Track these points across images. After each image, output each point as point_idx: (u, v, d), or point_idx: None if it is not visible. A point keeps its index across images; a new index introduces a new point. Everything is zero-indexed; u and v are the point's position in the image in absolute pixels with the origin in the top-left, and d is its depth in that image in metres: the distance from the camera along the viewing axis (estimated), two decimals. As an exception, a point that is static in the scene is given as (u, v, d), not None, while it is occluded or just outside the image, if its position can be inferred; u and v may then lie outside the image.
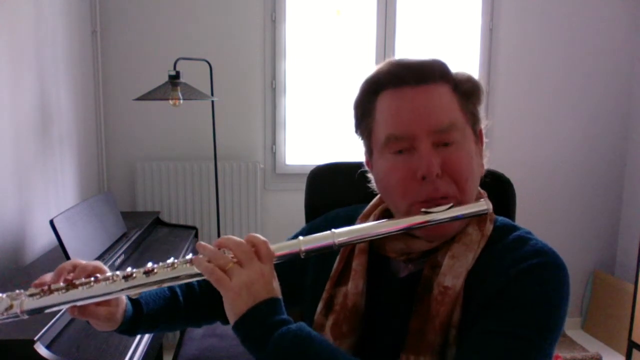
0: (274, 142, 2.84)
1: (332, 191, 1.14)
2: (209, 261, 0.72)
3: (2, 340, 1.20)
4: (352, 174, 0.95)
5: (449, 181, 0.76)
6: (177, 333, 2.58)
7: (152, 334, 1.51)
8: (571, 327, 3.09)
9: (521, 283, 0.72)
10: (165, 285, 0.75)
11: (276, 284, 0.73)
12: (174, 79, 2.13)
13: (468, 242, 0.78)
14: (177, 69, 2.15)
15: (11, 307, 0.72)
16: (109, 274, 0.76)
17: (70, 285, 0.74)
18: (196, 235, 2.53)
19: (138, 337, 1.44)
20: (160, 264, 0.75)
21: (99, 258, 1.77)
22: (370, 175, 0.87)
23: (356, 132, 0.86)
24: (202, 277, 0.73)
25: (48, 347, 1.25)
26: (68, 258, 1.57)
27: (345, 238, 0.76)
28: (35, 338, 1.20)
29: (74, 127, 2.36)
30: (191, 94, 2.19)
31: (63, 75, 2.24)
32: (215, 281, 0.70)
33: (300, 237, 0.76)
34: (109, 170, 2.73)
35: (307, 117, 2.88)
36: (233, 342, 1.92)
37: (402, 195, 0.78)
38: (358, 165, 0.92)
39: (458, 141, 0.77)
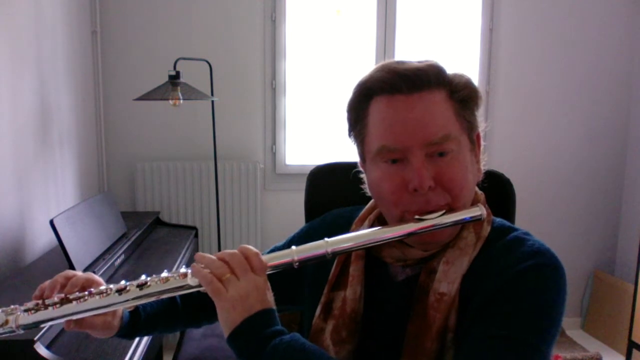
0: (274, 142, 2.84)
1: (332, 191, 1.14)
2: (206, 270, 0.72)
3: (2, 341, 1.20)
4: (352, 174, 0.95)
5: (441, 192, 0.75)
6: (177, 333, 2.58)
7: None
8: (571, 327, 3.09)
9: (518, 285, 0.71)
10: (160, 297, 0.75)
11: (270, 295, 0.73)
12: (174, 79, 2.14)
13: (463, 246, 0.78)
14: (177, 69, 2.16)
15: (6, 322, 0.74)
16: (103, 287, 0.76)
17: (64, 299, 0.75)
18: (196, 235, 2.53)
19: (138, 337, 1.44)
20: (154, 276, 0.76)
21: (99, 258, 1.77)
22: (364, 177, 0.87)
23: (349, 136, 0.85)
24: (196, 289, 0.73)
25: (48, 347, 1.25)
26: (68, 258, 1.57)
27: (338, 247, 0.76)
28: (35, 338, 1.20)
29: (74, 127, 2.36)
30: (191, 94, 2.19)
31: (63, 75, 2.24)
32: (212, 291, 0.70)
33: (293, 247, 0.76)
34: (109, 170, 2.73)
35: (307, 117, 2.88)
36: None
37: (394, 204, 0.77)
38: (357, 165, 0.91)
39: (453, 151, 0.75)
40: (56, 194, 2.14)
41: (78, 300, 0.75)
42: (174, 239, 2.32)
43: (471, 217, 0.76)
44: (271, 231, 2.83)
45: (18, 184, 1.82)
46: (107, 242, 1.90)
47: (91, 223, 1.83)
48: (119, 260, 1.86)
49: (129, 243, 2.01)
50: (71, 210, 1.75)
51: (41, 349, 1.21)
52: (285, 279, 0.84)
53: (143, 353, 1.42)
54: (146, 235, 2.30)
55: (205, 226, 2.73)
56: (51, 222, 1.57)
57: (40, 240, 1.97)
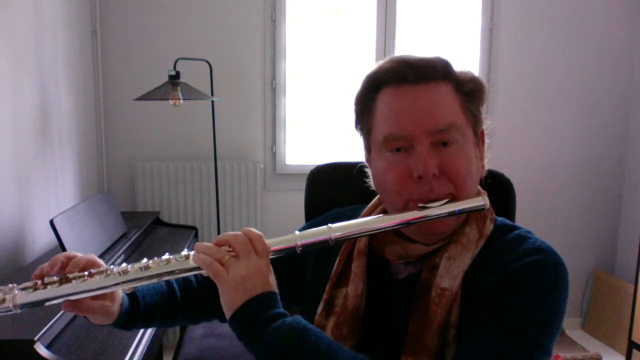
0: (274, 142, 2.84)
1: (332, 191, 1.14)
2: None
3: (2, 341, 1.20)
4: (352, 173, 0.95)
5: (445, 181, 0.76)
6: (177, 333, 2.58)
7: (152, 333, 1.52)
8: (571, 327, 3.09)
9: (520, 280, 0.72)
10: (161, 279, 0.75)
11: (272, 278, 0.73)
12: (174, 79, 2.14)
13: (465, 242, 0.78)
14: (177, 69, 2.16)
15: (4, 300, 0.72)
16: (103, 267, 0.76)
17: (64, 279, 0.74)
18: (196, 235, 2.53)
19: (138, 337, 1.44)
20: (156, 259, 0.75)
21: (98, 258, 1.77)
22: (368, 171, 0.87)
23: (356, 128, 0.86)
24: (198, 272, 0.73)
25: (48, 347, 1.25)
26: (68, 258, 1.57)
27: (341, 233, 0.76)
28: (35, 338, 1.20)
29: (74, 127, 2.36)
30: (191, 94, 2.19)
31: (63, 75, 2.24)
32: (212, 274, 0.71)
33: (297, 232, 0.76)
34: (109, 170, 2.73)
35: (307, 117, 2.88)
36: (233, 342, 1.92)
37: (397, 193, 0.78)
38: (358, 165, 0.92)
39: (458, 142, 0.76)
40: (56, 194, 2.14)
41: (78, 280, 0.74)
42: (174, 239, 2.32)
43: (474, 207, 0.76)
44: (271, 231, 2.82)
45: (18, 184, 1.82)
46: (107, 242, 1.91)
47: (91, 223, 1.83)
48: (119, 260, 1.86)
49: (129, 243, 2.01)
50: (71, 210, 1.75)
51: (41, 349, 1.21)
52: (286, 276, 0.84)
53: (143, 353, 1.41)
54: (146, 235, 2.30)
55: (205, 226, 2.73)
56: (51, 222, 1.57)
57: (40, 240, 1.97)
